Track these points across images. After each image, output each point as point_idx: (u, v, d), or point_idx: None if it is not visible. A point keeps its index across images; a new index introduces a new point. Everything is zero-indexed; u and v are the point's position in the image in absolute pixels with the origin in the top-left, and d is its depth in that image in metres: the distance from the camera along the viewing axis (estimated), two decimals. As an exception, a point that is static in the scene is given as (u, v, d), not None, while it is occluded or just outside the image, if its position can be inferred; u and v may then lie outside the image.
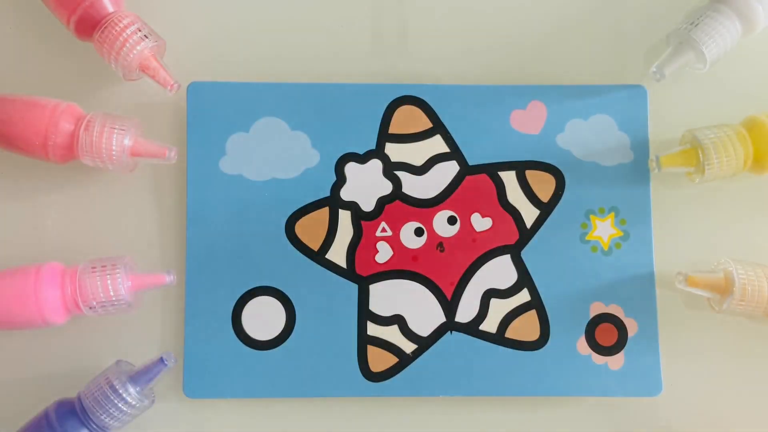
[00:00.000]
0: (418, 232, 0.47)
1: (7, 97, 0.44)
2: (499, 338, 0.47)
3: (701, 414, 0.48)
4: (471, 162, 0.48)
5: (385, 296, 0.47)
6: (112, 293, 0.43)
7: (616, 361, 0.47)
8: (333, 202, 0.47)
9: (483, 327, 0.47)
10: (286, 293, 0.47)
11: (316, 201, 0.47)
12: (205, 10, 0.49)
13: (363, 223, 0.47)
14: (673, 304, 0.48)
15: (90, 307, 0.43)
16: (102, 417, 0.42)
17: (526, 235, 0.47)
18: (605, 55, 0.50)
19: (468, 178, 0.47)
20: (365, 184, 0.47)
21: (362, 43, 0.49)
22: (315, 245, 0.47)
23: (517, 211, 0.47)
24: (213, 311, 0.46)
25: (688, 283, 0.45)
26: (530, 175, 0.48)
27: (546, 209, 0.47)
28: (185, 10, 0.49)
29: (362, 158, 0.47)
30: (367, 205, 0.47)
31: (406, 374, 0.47)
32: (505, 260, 0.47)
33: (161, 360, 0.44)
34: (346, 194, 0.47)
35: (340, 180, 0.47)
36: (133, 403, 0.43)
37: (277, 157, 0.47)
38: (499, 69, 0.49)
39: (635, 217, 0.48)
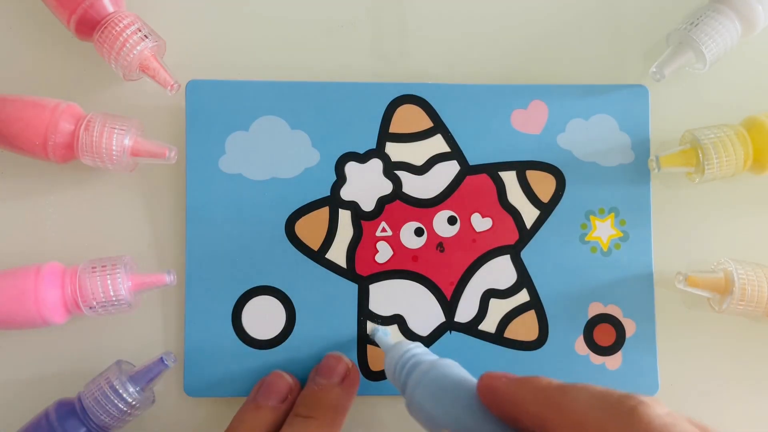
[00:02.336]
0: (418, 232, 0.47)
1: (7, 97, 0.44)
2: (498, 338, 0.47)
3: (699, 414, 0.48)
4: (471, 162, 0.48)
5: (385, 296, 0.47)
6: (112, 293, 0.43)
7: (613, 361, 0.47)
8: (333, 201, 0.47)
9: (482, 327, 0.47)
10: (286, 293, 0.47)
11: (316, 200, 0.47)
12: (205, 10, 0.49)
13: (363, 222, 0.47)
14: (672, 305, 0.48)
15: (90, 307, 0.43)
16: (102, 417, 0.42)
17: (525, 235, 0.47)
18: (606, 54, 0.50)
19: (468, 178, 0.47)
20: (365, 184, 0.47)
21: (363, 42, 0.49)
22: (315, 245, 0.47)
23: (517, 211, 0.48)
24: (213, 311, 0.46)
25: (688, 283, 0.45)
26: (530, 175, 0.48)
27: (546, 209, 0.48)
28: (185, 9, 0.49)
29: (362, 158, 0.47)
30: (367, 205, 0.47)
31: (406, 374, 0.47)
32: (505, 260, 0.47)
33: (161, 360, 0.44)
34: (346, 194, 0.47)
35: (340, 179, 0.47)
36: (134, 403, 0.43)
37: (276, 156, 0.47)
38: (501, 68, 0.49)
39: (635, 217, 0.48)
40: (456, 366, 0.36)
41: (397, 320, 0.47)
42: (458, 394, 0.33)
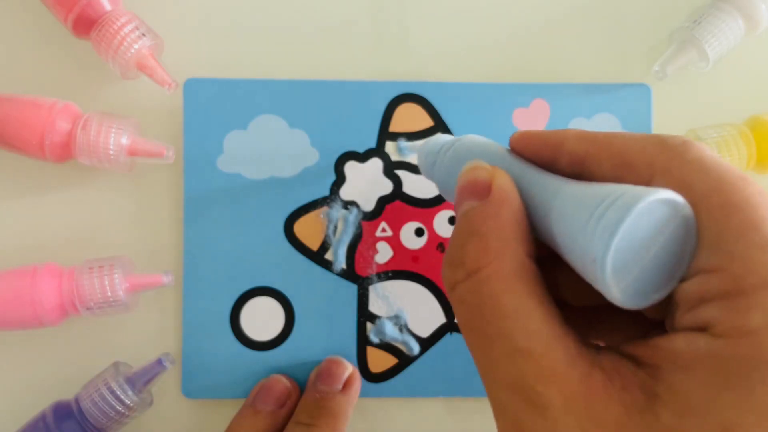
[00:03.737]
0: (419, 233, 0.47)
1: (2, 95, 0.44)
2: (499, 339, 0.47)
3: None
4: (472, 161, 0.47)
5: (385, 297, 0.46)
6: (109, 294, 0.43)
7: (617, 362, 0.47)
8: (332, 201, 0.47)
9: (483, 328, 0.47)
10: (285, 294, 0.46)
11: (315, 200, 0.47)
12: (203, 8, 0.48)
13: (363, 222, 0.47)
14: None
15: (87, 308, 0.43)
16: (99, 419, 0.42)
17: (527, 235, 0.47)
18: (609, 53, 0.49)
19: (469, 177, 0.47)
20: (365, 184, 0.47)
21: (363, 40, 0.49)
22: (314, 245, 0.47)
23: (519, 211, 0.47)
24: (211, 312, 0.46)
25: None
26: (532, 174, 0.47)
27: (547, 209, 0.47)
28: (183, 8, 0.48)
29: (362, 157, 0.47)
30: (368, 205, 0.47)
31: (406, 375, 0.46)
32: (506, 261, 0.47)
33: (159, 361, 0.44)
34: (345, 193, 0.47)
35: (340, 179, 0.47)
36: (131, 405, 0.42)
37: (275, 155, 0.47)
38: (502, 67, 0.49)
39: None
40: (482, 137, 0.36)
41: (398, 321, 0.46)
42: (485, 152, 0.32)
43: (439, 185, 0.36)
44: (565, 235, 0.25)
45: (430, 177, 0.37)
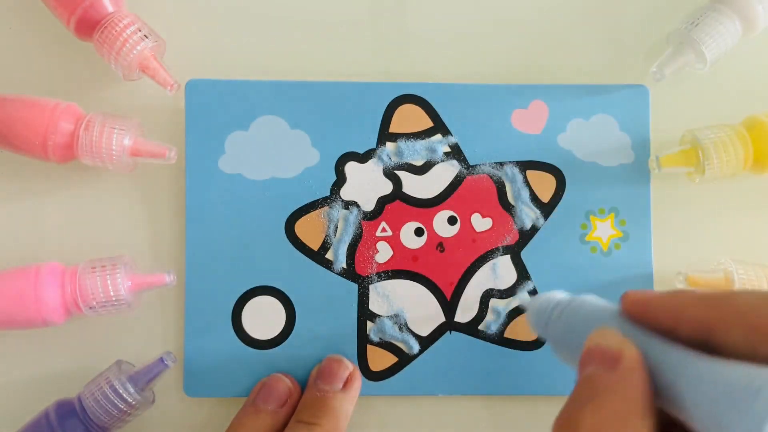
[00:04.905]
0: (418, 232, 0.47)
1: (6, 96, 0.44)
2: (498, 338, 0.47)
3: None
4: (472, 162, 0.47)
5: (385, 296, 0.47)
6: (112, 293, 0.43)
7: (615, 361, 0.47)
8: (333, 201, 0.47)
9: (482, 327, 0.47)
10: (286, 293, 0.47)
11: (315, 200, 0.47)
12: (204, 10, 0.49)
13: (363, 222, 0.47)
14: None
15: (90, 307, 0.43)
16: (102, 417, 0.42)
17: (526, 235, 0.47)
18: (607, 54, 0.50)
19: (468, 178, 0.47)
20: (365, 184, 0.47)
21: (363, 41, 0.49)
22: (315, 245, 0.47)
23: (518, 211, 0.48)
24: (213, 311, 0.46)
25: (689, 283, 0.45)
26: (531, 175, 0.48)
27: (546, 209, 0.47)
28: (185, 9, 0.49)
29: (362, 157, 0.47)
30: (368, 205, 0.47)
31: (406, 373, 0.47)
32: (505, 260, 0.47)
33: (161, 360, 0.44)
34: (346, 194, 0.47)
35: (340, 179, 0.47)
36: (133, 403, 0.43)
37: (276, 156, 0.47)
38: (501, 68, 0.49)
39: (635, 218, 0.48)
40: (594, 297, 0.35)
41: (397, 320, 0.47)
42: (600, 316, 0.32)
43: (554, 344, 0.36)
44: (701, 419, 0.25)
45: (543, 334, 0.36)
